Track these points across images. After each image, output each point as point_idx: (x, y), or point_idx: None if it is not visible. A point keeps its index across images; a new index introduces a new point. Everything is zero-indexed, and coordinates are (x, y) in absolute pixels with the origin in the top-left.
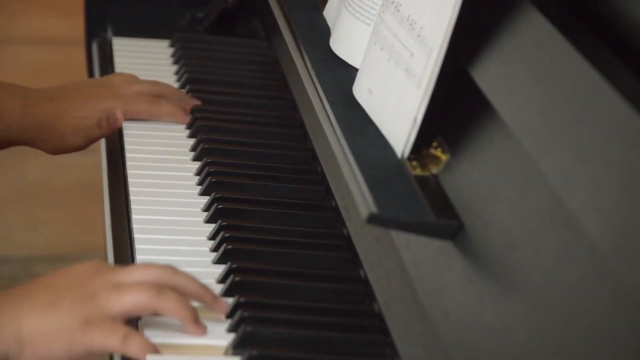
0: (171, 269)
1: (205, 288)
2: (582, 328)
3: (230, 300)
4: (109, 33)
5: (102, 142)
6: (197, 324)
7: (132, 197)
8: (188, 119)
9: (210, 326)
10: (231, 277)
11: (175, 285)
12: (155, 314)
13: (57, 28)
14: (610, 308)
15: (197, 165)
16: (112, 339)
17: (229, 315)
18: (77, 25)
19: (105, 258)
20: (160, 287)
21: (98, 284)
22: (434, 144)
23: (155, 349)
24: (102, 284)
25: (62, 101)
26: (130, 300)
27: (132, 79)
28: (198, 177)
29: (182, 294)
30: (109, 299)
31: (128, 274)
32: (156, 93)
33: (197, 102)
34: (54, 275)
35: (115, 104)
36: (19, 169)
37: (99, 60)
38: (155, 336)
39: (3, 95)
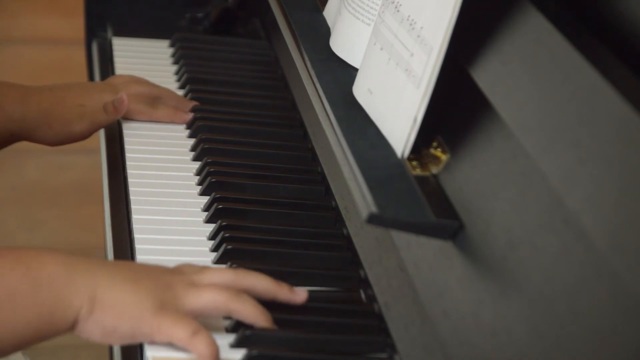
0: (244, 270)
1: (278, 283)
2: (581, 328)
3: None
4: (109, 33)
5: (102, 142)
6: (272, 324)
7: (132, 197)
8: (187, 117)
9: (211, 327)
10: None
11: (248, 287)
12: (228, 316)
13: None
14: (610, 308)
15: (197, 165)
16: (182, 330)
17: (229, 316)
18: (77, 25)
19: (105, 258)
20: (237, 291)
21: (176, 279)
22: (434, 144)
23: (218, 355)
24: (180, 280)
25: (63, 90)
26: (208, 298)
27: (132, 79)
28: (198, 177)
29: (257, 294)
30: (187, 293)
31: (203, 275)
32: (155, 95)
33: (193, 103)
34: (130, 262)
35: (112, 96)
36: (18, 169)
37: (99, 60)
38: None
39: (3, 89)
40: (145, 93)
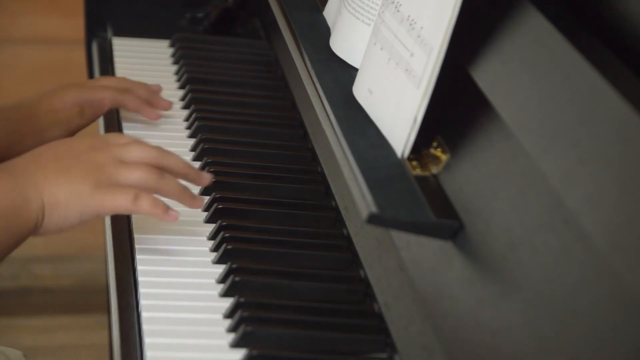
0: (162, 149)
1: (190, 166)
2: (581, 328)
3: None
4: (109, 33)
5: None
6: (194, 199)
7: None
8: (155, 114)
9: (210, 326)
10: (231, 277)
11: (168, 166)
12: (155, 193)
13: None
14: (610, 308)
15: (197, 165)
16: (123, 199)
17: (229, 315)
18: (77, 25)
19: (105, 258)
20: (162, 171)
21: (103, 158)
22: (434, 144)
23: (166, 207)
24: (107, 158)
25: (32, 99)
26: (138, 176)
27: (102, 77)
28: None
29: (174, 174)
30: (118, 171)
31: (127, 152)
32: (124, 87)
33: (167, 103)
34: (52, 148)
35: (81, 91)
36: None
37: (99, 60)
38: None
39: None
40: (113, 85)
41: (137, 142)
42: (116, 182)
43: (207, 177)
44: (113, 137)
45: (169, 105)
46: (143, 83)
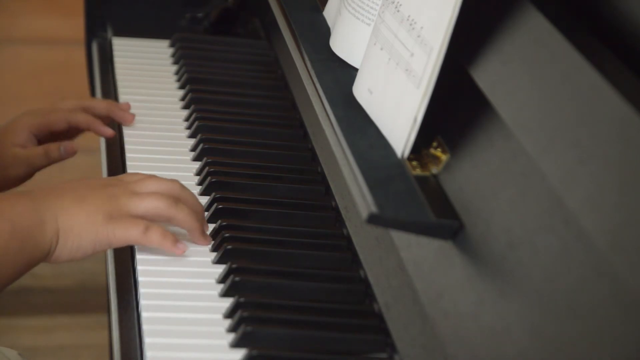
0: (178, 183)
1: (199, 220)
2: (581, 327)
3: (231, 300)
4: (109, 33)
5: (102, 142)
6: (205, 236)
7: None
8: (107, 131)
9: (210, 326)
10: (231, 277)
11: (182, 198)
12: (168, 221)
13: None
14: (610, 308)
15: (197, 165)
16: (133, 231)
17: (229, 315)
18: (77, 25)
19: (105, 258)
20: (176, 199)
21: (117, 190)
22: (434, 144)
23: (175, 239)
24: (121, 190)
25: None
26: (150, 204)
27: (62, 99)
28: (198, 177)
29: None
30: (130, 201)
31: (143, 184)
32: (81, 106)
33: (129, 116)
34: (69, 183)
35: (35, 117)
36: None
37: (99, 60)
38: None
39: None
40: (69, 105)
41: (153, 176)
42: (129, 212)
43: (208, 240)
44: (129, 175)
45: (131, 119)
46: (107, 101)
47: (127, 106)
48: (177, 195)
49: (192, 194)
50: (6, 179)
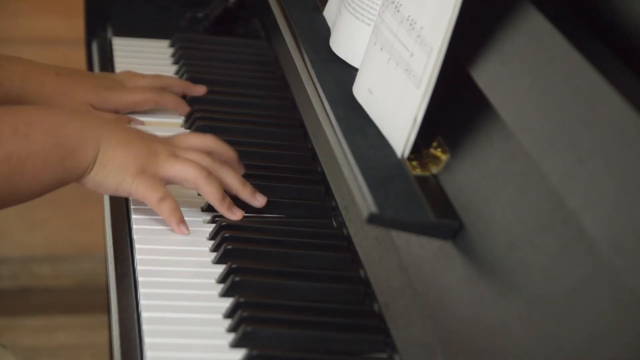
0: (220, 142)
1: (244, 183)
2: (581, 327)
3: (231, 300)
4: (109, 33)
5: None
6: (230, 210)
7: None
8: (188, 109)
9: (210, 326)
10: (231, 277)
11: (220, 176)
12: (197, 189)
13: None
14: (610, 308)
15: None
16: (153, 195)
17: (229, 315)
18: (77, 25)
19: (105, 258)
20: (209, 172)
21: (161, 148)
22: (434, 144)
23: (182, 219)
24: (164, 149)
25: (70, 79)
26: (180, 169)
27: (136, 74)
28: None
29: (224, 185)
30: (166, 162)
31: (185, 142)
32: (159, 85)
33: (202, 89)
34: (125, 126)
35: (121, 94)
36: None
37: (99, 60)
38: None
39: (4, 63)
40: (149, 85)
41: (202, 139)
42: (159, 173)
43: (261, 200)
44: (182, 136)
45: (203, 89)
46: (174, 78)
47: (203, 88)
48: (214, 170)
49: (231, 171)
50: None
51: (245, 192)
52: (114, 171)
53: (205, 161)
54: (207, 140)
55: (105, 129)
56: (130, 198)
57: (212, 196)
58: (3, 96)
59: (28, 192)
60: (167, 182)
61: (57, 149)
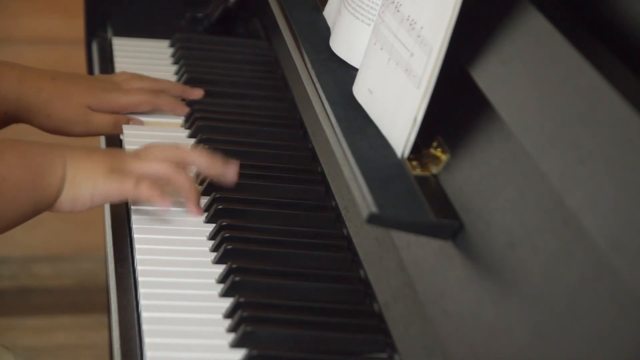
0: (184, 148)
1: (213, 160)
2: (582, 328)
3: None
4: (109, 33)
5: (102, 142)
6: (198, 207)
7: None
8: (186, 110)
9: (210, 326)
10: (231, 277)
11: (188, 163)
12: (167, 184)
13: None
14: (610, 308)
15: None
16: (126, 184)
17: (229, 315)
18: (77, 25)
19: (105, 258)
20: (177, 165)
21: (125, 154)
22: (434, 144)
23: (162, 192)
24: (130, 155)
25: (67, 83)
26: (151, 166)
27: (133, 76)
28: (198, 177)
29: (197, 169)
30: (134, 161)
31: (149, 151)
32: (157, 89)
33: (199, 92)
34: (87, 147)
35: (118, 95)
36: None
37: (99, 60)
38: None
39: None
40: (146, 87)
41: (158, 145)
42: (129, 170)
43: (232, 172)
44: (143, 149)
45: (201, 93)
46: (171, 82)
47: (200, 92)
48: (182, 160)
49: (197, 153)
50: (69, 131)
51: (216, 168)
52: (84, 181)
53: (169, 155)
54: (172, 150)
55: (68, 147)
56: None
57: (187, 190)
58: (0, 101)
59: (4, 218)
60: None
61: (28, 170)
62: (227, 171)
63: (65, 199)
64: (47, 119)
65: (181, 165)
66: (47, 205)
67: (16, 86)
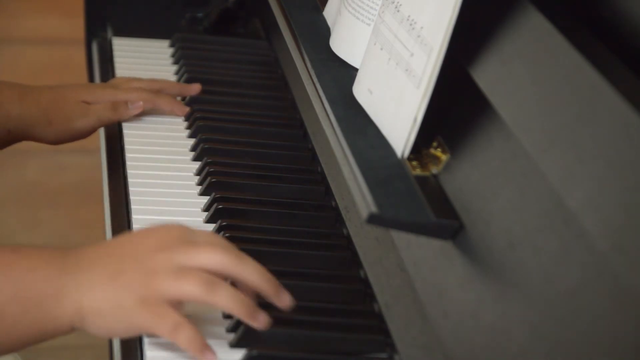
0: (236, 255)
1: (268, 280)
2: (582, 328)
3: None
4: (109, 33)
5: (102, 142)
6: (254, 318)
7: (132, 197)
8: (186, 110)
9: (210, 326)
10: None
11: (237, 276)
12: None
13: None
14: (610, 308)
15: (197, 165)
16: (163, 326)
17: (229, 315)
18: (77, 25)
19: None
20: (216, 282)
21: (161, 262)
22: (434, 144)
23: (203, 345)
24: (165, 263)
25: (63, 88)
26: (184, 290)
27: (130, 78)
28: (198, 177)
29: (244, 284)
30: (166, 282)
31: (193, 257)
32: (156, 88)
33: (197, 87)
34: (124, 242)
35: (115, 92)
36: (18, 169)
37: (99, 60)
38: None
39: (0, 87)
40: (145, 87)
41: (211, 244)
42: (163, 296)
43: (286, 300)
44: (190, 233)
45: (198, 87)
46: (169, 81)
47: (198, 86)
48: (229, 272)
49: (250, 268)
50: (73, 130)
51: (271, 291)
52: (112, 314)
53: (216, 264)
54: (217, 256)
55: (87, 267)
56: (131, 198)
57: (230, 308)
58: (5, 119)
59: None
60: (176, 303)
61: (14, 301)
62: (281, 296)
63: (97, 329)
64: (50, 127)
65: (227, 278)
66: (59, 333)
67: (18, 104)
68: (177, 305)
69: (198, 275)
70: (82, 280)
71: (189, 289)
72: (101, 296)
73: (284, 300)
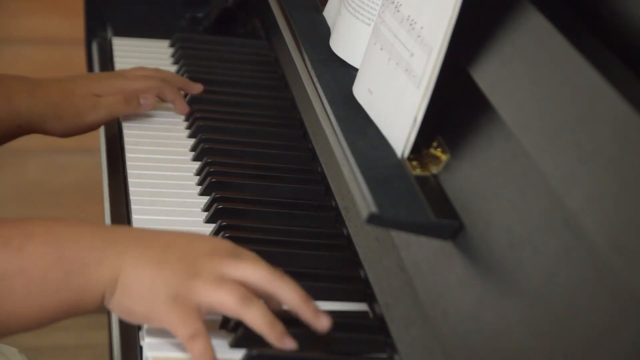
0: (279, 273)
1: (306, 301)
2: (581, 327)
3: None
4: (109, 33)
5: (102, 142)
6: (281, 341)
7: (132, 197)
8: (187, 109)
9: (210, 326)
10: None
11: (275, 293)
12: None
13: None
14: (610, 308)
15: (197, 165)
16: (183, 330)
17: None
18: (77, 25)
19: None
20: (252, 298)
21: (207, 267)
22: (434, 144)
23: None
24: (210, 269)
25: (71, 81)
26: (217, 299)
27: (137, 67)
28: (198, 177)
29: (282, 302)
30: (204, 286)
31: (237, 268)
32: (160, 77)
33: (199, 87)
34: (175, 237)
35: (124, 81)
36: (19, 169)
37: (99, 60)
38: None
39: (10, 82)
40: (152, 75)
41: (256, 259)
42: (194, 299)
43: (325, 323)
44: (237, 248)
45: (201, 87)
46: (173, 72)
47: (200, 86)
48: (268, 289)
49: (289, 288)
50: (83, 124)
51: (308, 312)
52: (140, 298)
53: (258, 279)
54: (261, 271)
55: (133, 245)
56: (131, 198)
57: (259, 327)
58: (15, 113)
59: (18, 315)
60: (204, 311)
61: (58, 264)
62: (320, 319)
63: (118, 306)
64: (60, 121)
65: (263, 295)
66: (86, 306)
67: (27, 98)
68: (205, 313)
69: (236, 288)
70: (126, 256)
71: (225, 298)
72: (138, 277)
73: (322, 323)
